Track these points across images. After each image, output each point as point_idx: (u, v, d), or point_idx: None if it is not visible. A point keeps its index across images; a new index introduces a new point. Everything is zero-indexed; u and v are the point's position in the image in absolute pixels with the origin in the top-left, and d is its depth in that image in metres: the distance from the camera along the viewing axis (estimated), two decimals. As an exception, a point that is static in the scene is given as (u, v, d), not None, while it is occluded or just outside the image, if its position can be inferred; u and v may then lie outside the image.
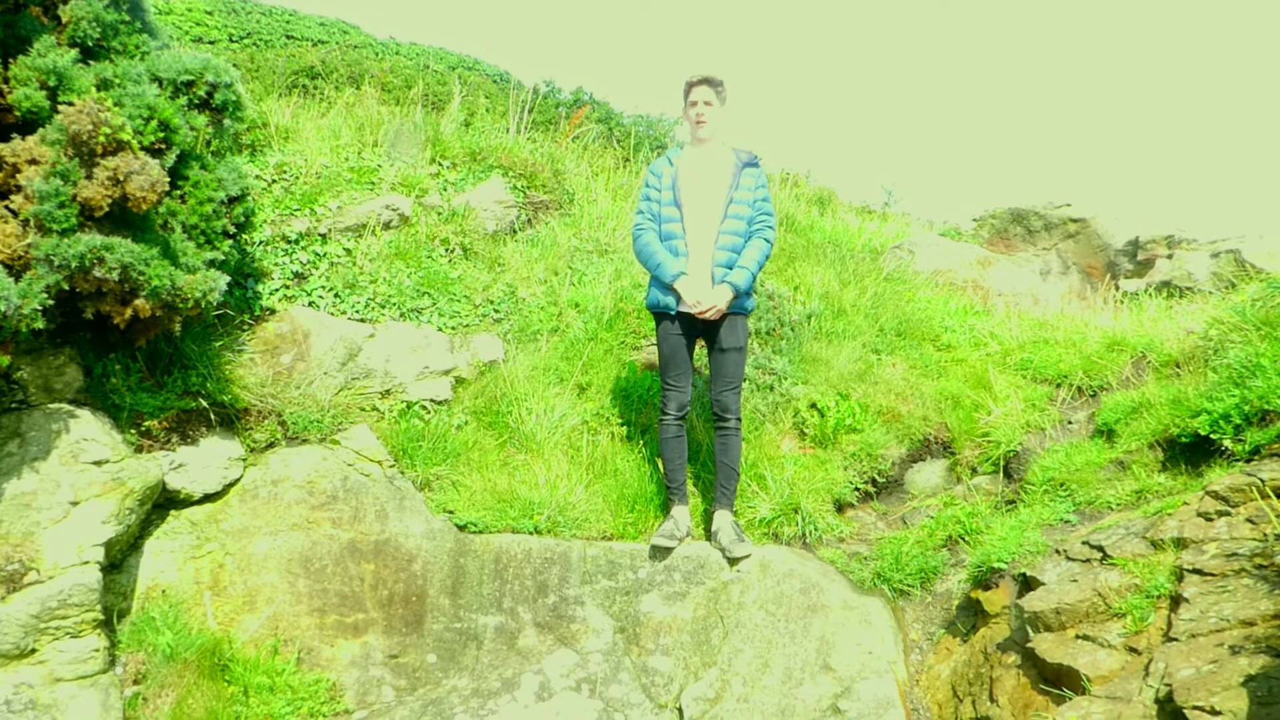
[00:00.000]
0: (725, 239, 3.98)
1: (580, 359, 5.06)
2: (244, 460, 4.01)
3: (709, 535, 4.13)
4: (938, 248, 7.19)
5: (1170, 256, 6.54)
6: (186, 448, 3.85)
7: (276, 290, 4.65)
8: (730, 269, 3.96)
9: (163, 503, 3.78)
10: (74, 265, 3.24)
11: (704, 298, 3.90)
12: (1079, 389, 4.74)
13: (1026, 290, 6.86)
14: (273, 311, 4.53)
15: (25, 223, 3.29)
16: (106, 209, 3.34)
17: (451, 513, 4.11)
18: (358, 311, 4.79)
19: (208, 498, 3.87)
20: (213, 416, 3.97)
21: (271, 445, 4.12)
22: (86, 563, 3.27)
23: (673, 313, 4.02)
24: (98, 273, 3.30)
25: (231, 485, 3.94)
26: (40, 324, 3.21)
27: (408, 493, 4.14)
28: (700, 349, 4.79)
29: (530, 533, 4.05)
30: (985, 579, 3.62)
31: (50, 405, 3.55)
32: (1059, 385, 4.83)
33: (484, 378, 4.84)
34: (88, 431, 3.52)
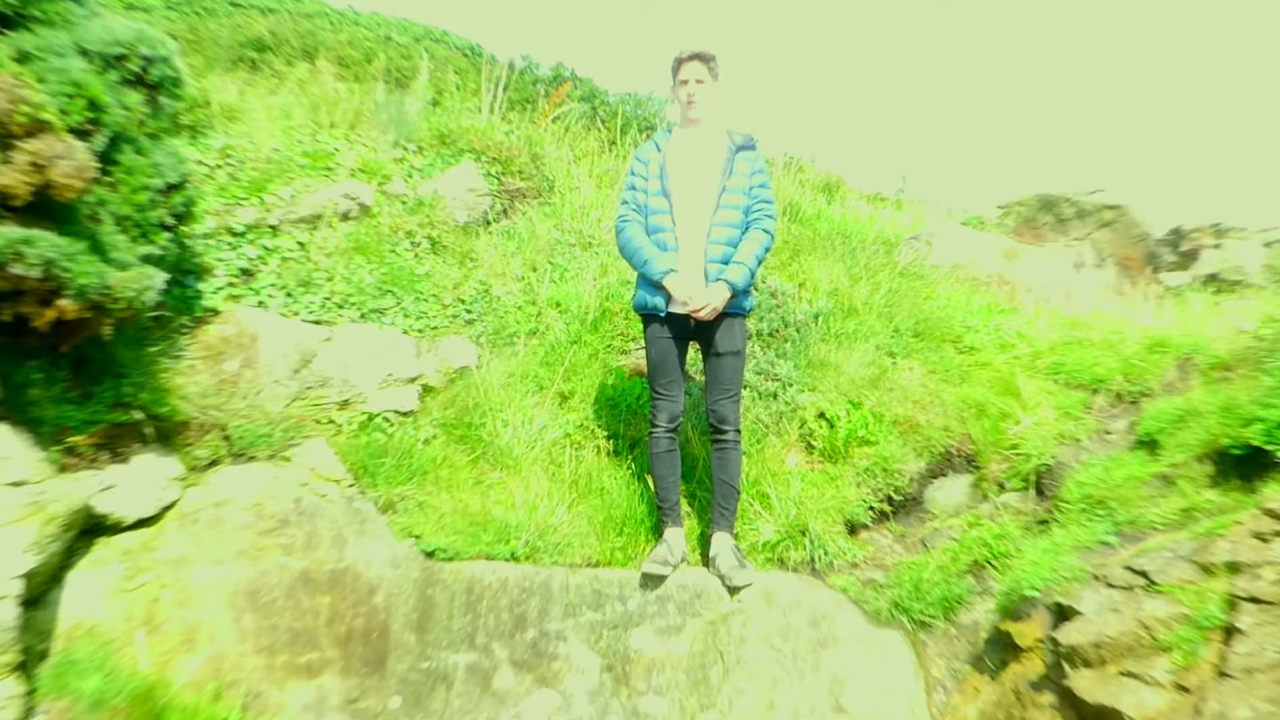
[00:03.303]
0: (720, 231, 3.96)
1: (562, 364, 5.04)
2: (183, 480, 3.96)
3: (706, 561, 4.11)
4: (958, 239, 7.19)
5: (1217, 247, 6.55)
6: (117, 466, 3.79)
7: (221, 289, 4.62)
8: (726, 264, 3.94)
9: (90, 529, 3.71)
10: (-12, 262, 3.18)
11: (697, 297, 3.88)
12: (1118, 395, 4.74)
13: (1058, 285, 6.86)
14: (216, 312, 4.50)
15: (-68, 214, 3.23)
16: (27, 198, 3.28)
17: (418, 537, 4.08)
18: (312, 312, 4.77)
19: (141, 523, 3.80)
20: (148, 431, 3.92)
21: (214, 463, 4.07)
22: (3, 597, 3.20)
23: (662, 314, 4.01)
24: (16, 269, 3.24)
25: (168, 508, 3.88)
26: (-51, 328, 3.15)
27: (369, 516, 4.10)
28: (694, 353, 4.76)
29: (506, 559, 4.02)
30: (1016, 609, 3.59)
31: (-38, 420, 3.48)
32: (1095, 391, 4.83)
33: (454, 386, 4.83)
34: (4, 448, 3.45)
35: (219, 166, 5.12)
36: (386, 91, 6.27)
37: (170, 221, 4.16)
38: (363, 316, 4.89)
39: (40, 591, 3.53)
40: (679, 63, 4.09)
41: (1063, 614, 3.35)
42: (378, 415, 4.54)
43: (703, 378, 4.46)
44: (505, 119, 6.96)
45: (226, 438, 4.13)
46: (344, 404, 4.50)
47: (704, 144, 4.10)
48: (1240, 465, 3.65)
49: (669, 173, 4.04)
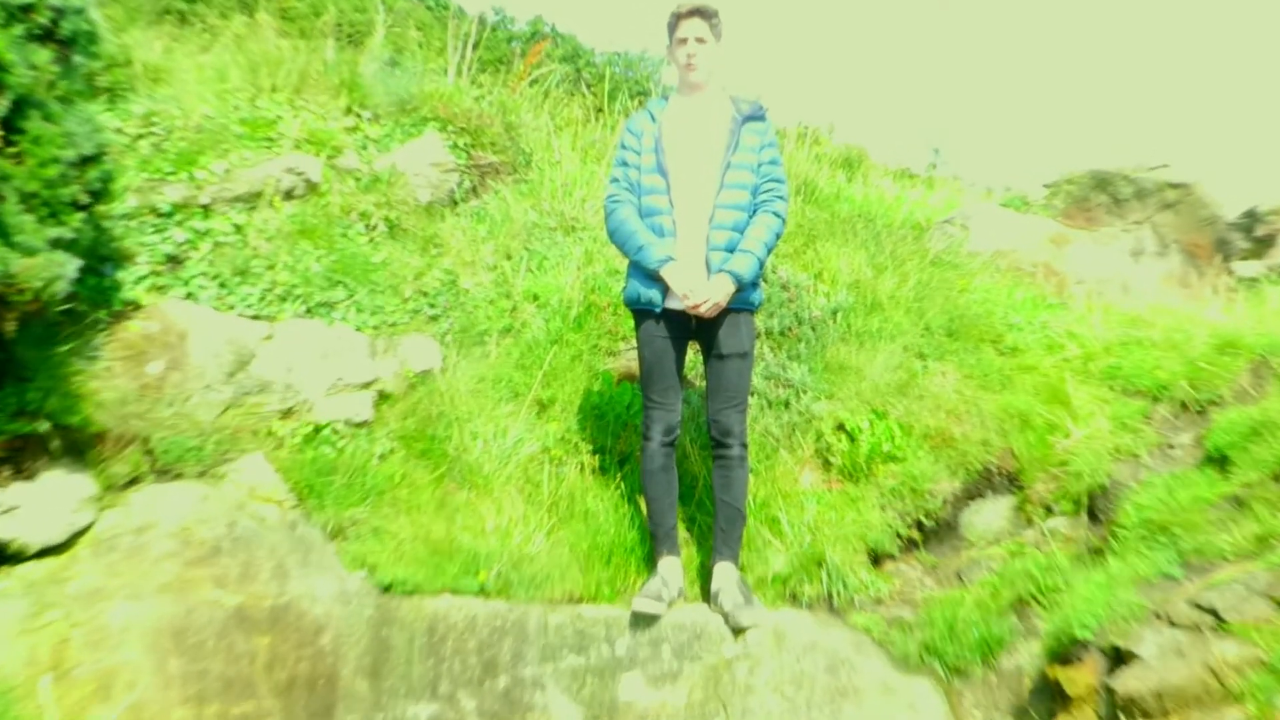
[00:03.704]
0: (724, 214, 3.96)
1: (540, 367, 5.04)
2: (98, 501, 3.93)
3: (707, 596, 4.11)
4: (999, 222, 7.19)
5: (1298, 232, 6.56)
6: (20, 485, 3.76)
7: (143, 278, 4.59)
8: (731, 253, 3.95)
9: (-11, 558, 3.70)
10: None
11: (697, 290, 3.89)
12: (1182, 404, 4.74)
13: (1113, 275, 6.88)
14: (138, 306, 4.47)
15: None
16: (-87, 173, 3.26)
17: (372, 569, 4.06)
18: (250, 306, 4.75)
19: (49, 551, 3.78)
20: (56, 444, 3.89)
21: (135, 481, 4.05)
22: (-114, 639, 3.18)
23: (658, 310, 4.01)
24: (-99, 257, 3.22)
25: (80, 534, 3.85)
26: None
27: (315, 543, 4.09)
28: (694, 355, 4.76)
29: (475, 594, 4.02)
30: (1065, 652, 3.59)
31: None
32: (1156, 399, 4.83)
33: (415, 392, 4.82)
34: (-112, 466, 3.43)
35: (142, 136, 5.08)
36: (337, 50, 6.27)
37: (85, 200, 4.13)
38: (309, 311, 4.87)
39: (-70, 632, 3.50)
40: (677, 18, 4.08)
41: (1119, 658, 3.34)
42: (326, 426, 4.53)
43: (703, 383, 4.45)
44: (475, 82, 6.96)
45: (149, 452, 4.10)
46: (287, 413, 4.49)
47: (705, 113, 4.10)
48: (1325, 486, 3.66)
49: (665, 146, 4.04)
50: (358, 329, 4.94)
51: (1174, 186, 7.08)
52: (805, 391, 5.06)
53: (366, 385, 4.73)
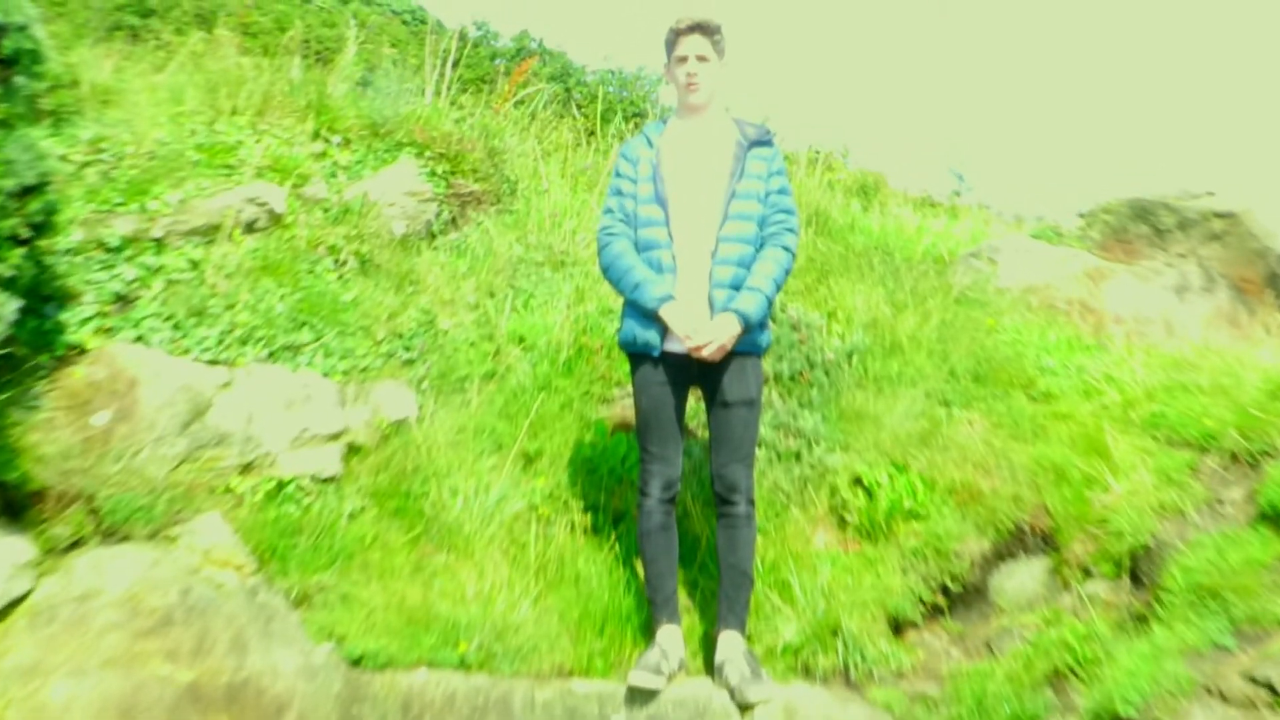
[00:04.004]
0: (728, 248, 4.00)
1: (526, 416, 5.05)
2: (37, 566, 3.92)
3: (711, 669, 4.08)
4: (1030, 255, 7.20)
5: (1360, 266, 6.58)
6: (-48, 549, 3.77)
7: (89, 319, 4.59)
8: (737, 290, 3.98)
9: (-84, 630, 3.69)
10: None
11: (700, 331, 3.90)
12: (1232, 455, 4.74)
13: (1155, 313, 6.87)
14: (83, 350, 4.47)
15: None
16: None
17: (340, 640, 4.04)
18: (207, 350, 4.75)
19: (-18, 621, 3.78)
20: (-9, 503, 3.89)
21: (78, 544, 4.03)
22: None
23: (656, 353, 4.04)
24: None
25: (17, 603, 3.83)
26: None
27: (277, 611, 4.07)
28: (696, 402, 4.77)
29: (454, 667, 3.99)
30: (1107, 730, 3.57)
31: None
32: (1204, 450, 4.83)
33: (389, 444, 4.82)
34: None
35: (89, 163, 5.10)
36: (304, 68, 6.33)
37: (25, 234, 4.14)
38: (271, 355, 4.86)
39: None
40: (676, 35, 4.13)
41: (1167, 737, 3.34)
42: (290, 482, 4.51)
43: (706, 434, 4.46)
44: (455, 103, 7.02)
45: (94, 511, 4.08)
46: (246, 468, 4.48)
47: (707, 137, 4.15)
48: (1390, 546, 3.67)
49: (664, 174, 4.07)
50: (326, 375, 4.93)
51: (1221, 216, 7.09)
52: (818, 442, 5.06)
53: (335, 437, 4.72)
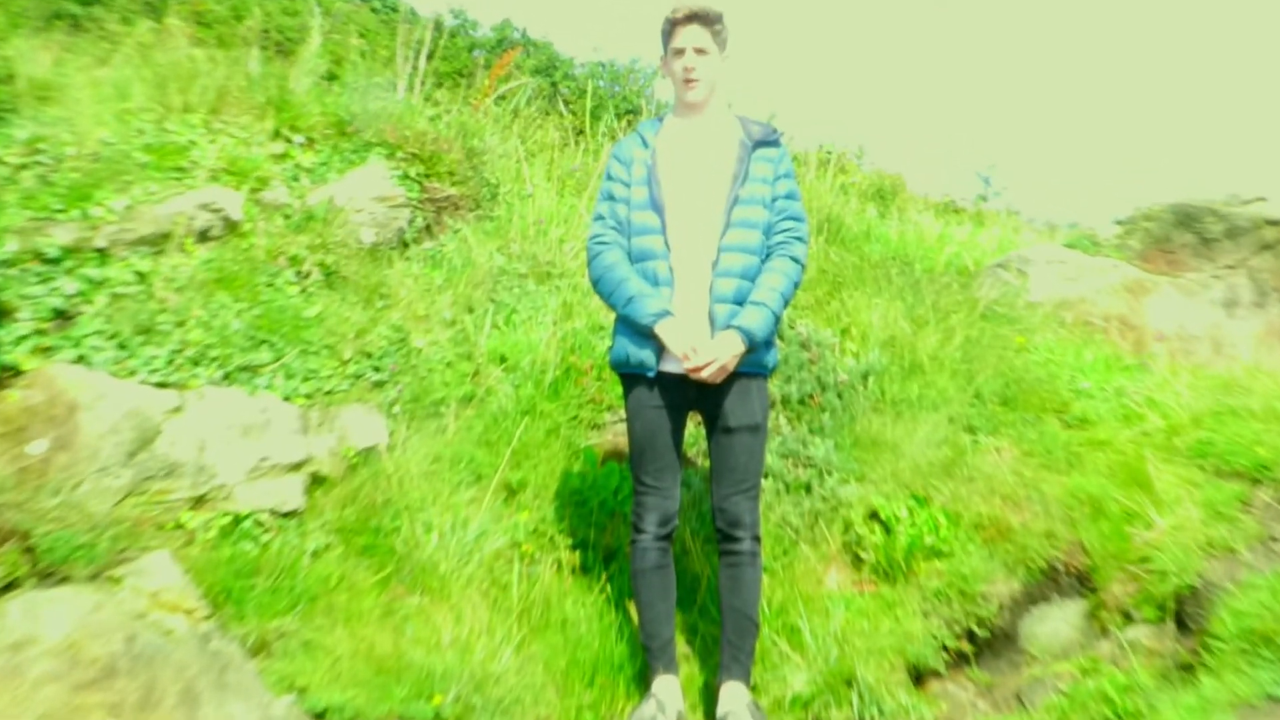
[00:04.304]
0: (731, 259, 4.01)
1: (508, 444, 5.06)
2: (-32, 610, 3.93)
3: (713, 722, 4.09)
4: (1063, 265, 7.20)
5: None
6: (-124, 591, 3.77)
7: (25, 338, 4.57)
8: (741, 305, 3.99)
9: None
10: None
11: (700, 350, 3.90)
12: (1287, 487, 4.77)
13: (1202, 330, 6.87)
14: (18, 372, 4.45)
15: None
16: None
17: (302, 691, 4.01)
18: (156, 371, 4.73)
19: (-92, 671, 3.78)
20: (-82, 540, 3.90)
21: (12, 586, 3.97)
22: None
23: (651, 374, 4.04)
24: None
25: (-54, 651, 3.85)
26: None
27: (232, 660, 4.03)
28: (696, 427, 4.79)
29: (429, 722, 4.00)
30: (1148, 790, 3.59)
31: None
32: (1256, 481, 4.82)
33: (356, 474, 4.81)
34: None
35: (25, 166, 5.08)
36: (263, 61, 6.31)
37: (-44, 244, 4.18)
38: (227, 377, 4.83)
39: None
40: (672, 25, 4.14)
41: (1213, 796, 3.36)
42: (247, 517, 4.49)
43: (706, 463, 4.47)
44: (430, 100, 7.04)
45: (30, 550, 4.05)
46: (199, 501, 4.45)
47: (708, 137, 4.17)
48: None
49: (660, 177, 4.09)
50: (287, 398, 4.90)
51: (1273, 223, 7.07)
52: (830, 472, 5.08)
53: (297, 467, 4.70)
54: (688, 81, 4.13)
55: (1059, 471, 5.18)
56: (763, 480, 4.31)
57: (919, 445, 5.24)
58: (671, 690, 4.06)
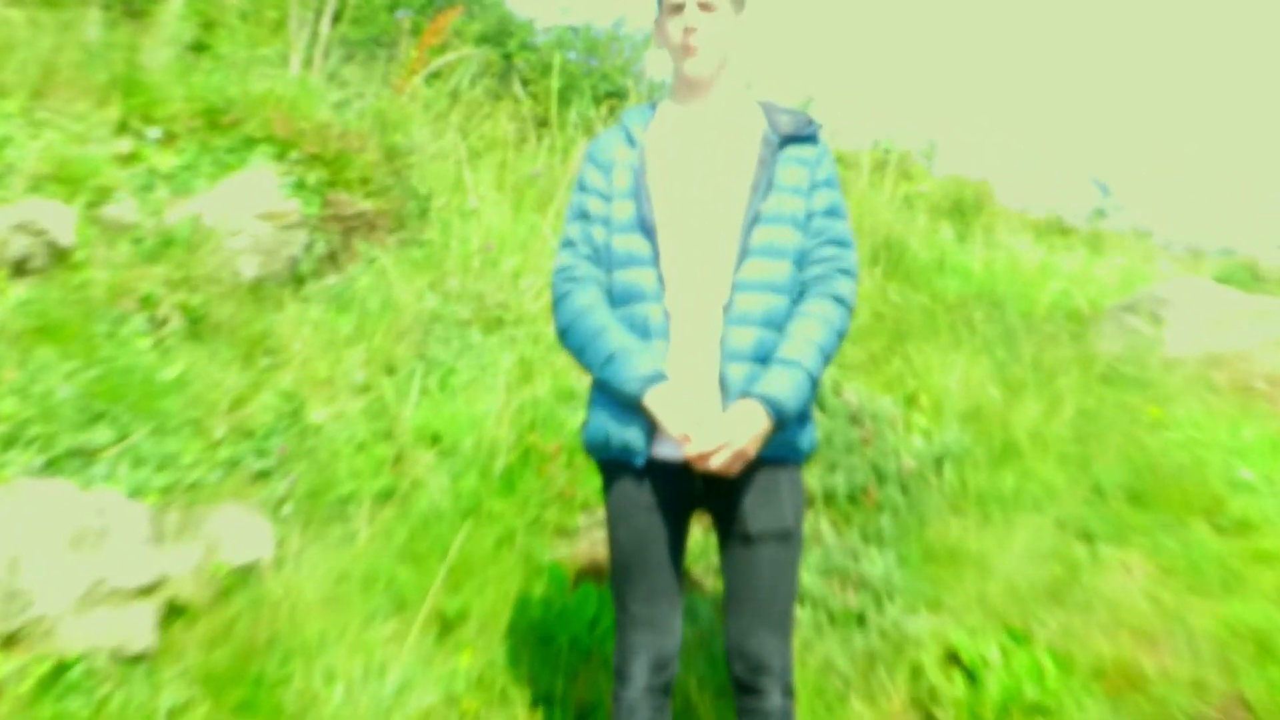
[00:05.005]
0: (749, 300, 3.90)
1: (443, 559, 5.05)
2: None
3: None
4: (1213, 307, 7.28)
5: None
6: None
7: None
8: (763, 365, 3.88)
9: None
10: None
11: (707, 430, 3.77)
12: None
13: (1400, 396, 6.93)
14: None
15: None
16: None
17: None
18: (-51, 456, 4.77)
19: None
20: None
21: None
22: None
23: (640, 462, 3.94)
24: None
25: None
26: None
27: None
28: (703, 534, 4.70)
29: None
30: None
31: None
32: None
33: (230, 602, 4.82)
34: None
35: None
36: (105, 27, 6.39)
37: None
38: (51, 464, 4.88)
39: None
40: (668, -29, 4.11)
41: None
42: (77, 662, 4.48)
43: (717, 584, 4.47)
44: (336, 79, 7.11)
45: None
46: (9, 640, 4.45)
47: (717, 130, 4.09)
48: None
49: (652, 187, 4.00)
50: (134, 494, 4.92)
51: None
52: (892, 598, 5.06)
53: (147, 591, 4.69)
54: (688, 49, 4.00)
55: (1210, 596, 5.20)
56: (797, 609, 4.28)
57: (1015, 560, 5.26)
58: None
